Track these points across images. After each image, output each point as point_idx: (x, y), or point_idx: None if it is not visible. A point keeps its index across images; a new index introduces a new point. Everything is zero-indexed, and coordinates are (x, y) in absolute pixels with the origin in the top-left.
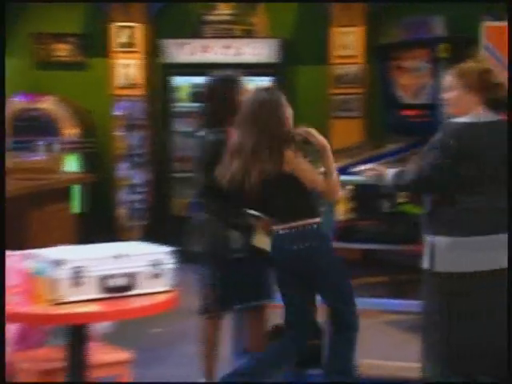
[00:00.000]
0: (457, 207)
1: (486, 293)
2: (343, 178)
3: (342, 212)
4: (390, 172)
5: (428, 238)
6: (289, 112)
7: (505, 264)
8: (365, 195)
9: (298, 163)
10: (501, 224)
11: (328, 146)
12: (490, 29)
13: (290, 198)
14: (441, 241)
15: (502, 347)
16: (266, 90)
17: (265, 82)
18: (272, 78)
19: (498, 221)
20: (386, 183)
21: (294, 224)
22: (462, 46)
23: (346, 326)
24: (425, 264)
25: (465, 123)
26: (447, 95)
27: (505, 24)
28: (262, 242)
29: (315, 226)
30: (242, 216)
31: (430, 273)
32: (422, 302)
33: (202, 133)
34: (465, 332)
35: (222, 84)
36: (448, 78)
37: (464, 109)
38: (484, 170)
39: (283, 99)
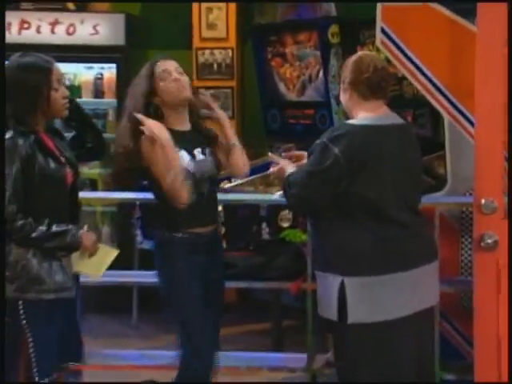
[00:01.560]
0: (366, 237)
1: (410, 338)
2: None
3: None
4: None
5: (329, 278)
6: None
7: (432, 302)
8: (237, 218)
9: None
10: (423, 254)
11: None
12: (388, 9)
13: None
14: (351, 282)
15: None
16: None
17: (105, 69)
18: (115, 65)
19: (420, 251)
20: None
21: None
22: (356, 29)
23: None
24: (328, 313)
25: (357, 126)
26: (340, 94)
27: (405, 4)
28: (88, 264)
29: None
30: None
31: (338, 326)
32: (333, 354)
33: (8, 135)
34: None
35: (23, 72)
36: (342, 74)
37: (347, 107)
38: (389, 189)
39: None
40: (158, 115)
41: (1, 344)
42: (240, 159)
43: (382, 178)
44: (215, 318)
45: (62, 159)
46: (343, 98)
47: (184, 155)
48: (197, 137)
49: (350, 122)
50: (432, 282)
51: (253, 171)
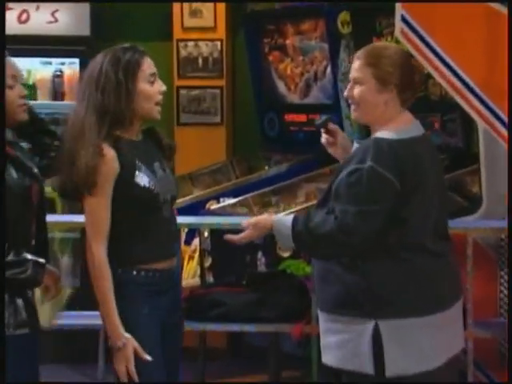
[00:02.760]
0: (401, 270)
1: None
2: (192, 219)
3: (189, 274)
4: (284, 222)
5: (352, 322)
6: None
7: (460, 346)
8: (227, 246)
9: None
10: (455, 289)
11: None
12: None
13: None
14: (388, 327)
15: None
16: None
17: (66, 65)
18: (77, 59)
19: (452, 285)
20: (284, 243)
21: None
22: (371, 16)
23: None
24: (355, 365)
25: (400, 141)
26: (353, 92)
27: None
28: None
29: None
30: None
31: (370, 381)
32: None
33: None
34: None
35: None
36: (356, 64)
37: (379, 113)
38: (428, 213)
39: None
40: (115, 123)
41: (1, 343)
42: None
43: (426, 201)
44: (173, 364)
45: (35, 170)
46: (374, 98)
47: (144, 174)
48: (151, 147)
49: (389, 136)
50: (460, 322)
51: (246, 189)
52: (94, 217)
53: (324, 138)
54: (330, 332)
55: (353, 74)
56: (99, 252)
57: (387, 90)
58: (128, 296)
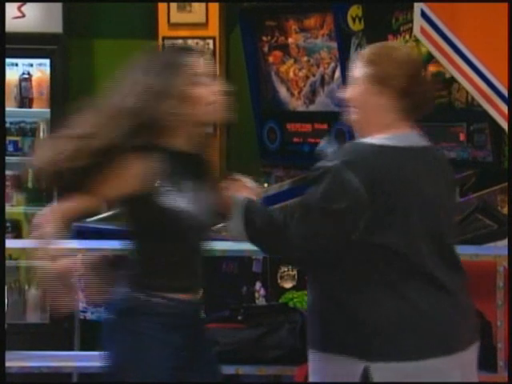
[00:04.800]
0: (395, 304)
1: None
2: None
3: None
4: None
5: (339, 363)
6: None
7: None
8: (220, 276)
9: None
10: (469, 330)
11: None
12: None
13: None
14: (380, 370)
15: None
16: None
17: (34, 67)
18: (48, 60)
19: (465, 324)
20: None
21: None
22: (386, 11)
23: None
24: None
25: (382, 147)
26: (349, 93)
27: None
28: None
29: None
30: None
31: None
32: None
33: None
34: None
35: None
36: (356, 63)
37: (372, 118)
38: (420, 236)
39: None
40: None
41: (1, 343)
42: None
43: (413, 221)
44: None
45: None
46: (368, 101)
47: (174, 194)
48: (191, 163)
49: (368, 140)
50: (475, 369)
51: None
52: None
53: None
54: (318, 373)
55: (350, 72)
56: None
57: (385, 93)
58: (136, 327)
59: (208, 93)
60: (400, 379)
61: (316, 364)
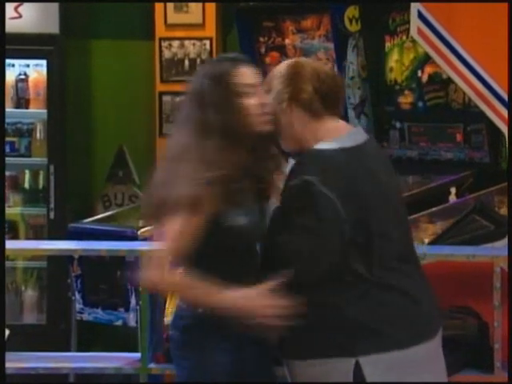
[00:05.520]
0: (374, 298)
1: None
2: None
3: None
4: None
5: (325, 365)
6: None
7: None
8: None
9: None
10: (436, 318)
11: None
12: None
13: None
14: (371, 362)
15: None
16: None
17: (31, 67)
18: (44, 61)
19: (431, 311)
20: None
21: None
22: (383, 12)
23: None
24: None
25: (331, 150)
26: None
27: None
28: None
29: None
30: None
31: None
32: None
33: None
34: None
35: None
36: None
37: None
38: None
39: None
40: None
41: (1, 343)
42: None
43: (382, 219)
44: None
45: None
46: (287, 121)
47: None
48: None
49: (321, 147)
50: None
51: None
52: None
53: None
54: (297, 378)
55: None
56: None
57: (290, 108)
58: (206, 343)
59: (258, 103)
60: (391, 369)
61: (296, 370)
